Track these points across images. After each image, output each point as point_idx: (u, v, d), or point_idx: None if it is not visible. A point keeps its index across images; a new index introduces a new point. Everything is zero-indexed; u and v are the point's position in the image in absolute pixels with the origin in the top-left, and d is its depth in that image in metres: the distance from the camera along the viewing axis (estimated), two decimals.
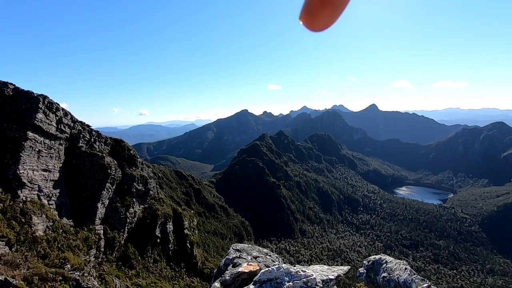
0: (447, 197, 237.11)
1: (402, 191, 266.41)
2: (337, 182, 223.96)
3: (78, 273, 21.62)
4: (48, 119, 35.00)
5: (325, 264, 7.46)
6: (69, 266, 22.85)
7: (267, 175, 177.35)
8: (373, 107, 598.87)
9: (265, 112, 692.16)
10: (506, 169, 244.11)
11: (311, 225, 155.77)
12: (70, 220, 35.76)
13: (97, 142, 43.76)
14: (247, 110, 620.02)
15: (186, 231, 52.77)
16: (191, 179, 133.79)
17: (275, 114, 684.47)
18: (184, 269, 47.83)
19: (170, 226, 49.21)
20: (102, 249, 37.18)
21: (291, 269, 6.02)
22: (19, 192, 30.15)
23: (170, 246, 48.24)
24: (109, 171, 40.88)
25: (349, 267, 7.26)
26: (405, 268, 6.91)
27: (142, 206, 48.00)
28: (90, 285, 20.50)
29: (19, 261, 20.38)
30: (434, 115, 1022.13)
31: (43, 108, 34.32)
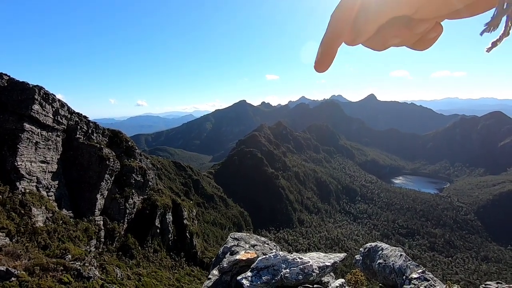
0: (444, 187, 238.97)
1: (400, 181, 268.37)
2: (335, 172, 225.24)
3: (79, 263, 21.90)
4: (44, 110, 34.75)
5: (322, 253, 7.56)
6: (70, 256, 23.11)
7: (266, 165, 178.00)
8: (371, 97, 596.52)
9: (263, 102, 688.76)
10: (503, 159, 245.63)
11: (309, 215, 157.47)
12: (70, 212, 35.98)
13: (94, 134, 43.62)
14: (245, 100, 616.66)
15: (185, 221, 53.28)
16: (190, 170, 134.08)
17: (273, 105, 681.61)
18: (184, 259, 48.51)
19: (169, 217, 49.64)
20: (102, 240, 37.57)
21: (288, 257, 6.11)
22: (17, 183, 30.21)
23: (170, 236, 48.77)
24: (107, 162, 40.90)
25: (346, 254, 7.36)
26: (400, 255, 7.02)
27: (141, 197, 48.27)
28: (91, 275, 20.78)
29: (20, 252, 20.58)
30: (432, 105, 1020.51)
31: (39, 99, 34.01)
